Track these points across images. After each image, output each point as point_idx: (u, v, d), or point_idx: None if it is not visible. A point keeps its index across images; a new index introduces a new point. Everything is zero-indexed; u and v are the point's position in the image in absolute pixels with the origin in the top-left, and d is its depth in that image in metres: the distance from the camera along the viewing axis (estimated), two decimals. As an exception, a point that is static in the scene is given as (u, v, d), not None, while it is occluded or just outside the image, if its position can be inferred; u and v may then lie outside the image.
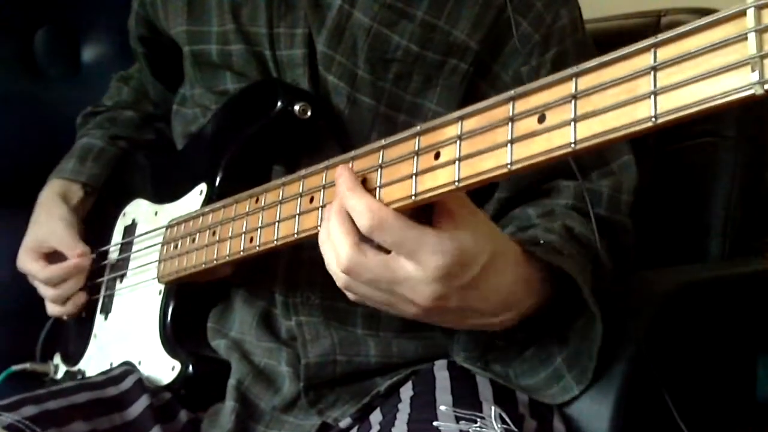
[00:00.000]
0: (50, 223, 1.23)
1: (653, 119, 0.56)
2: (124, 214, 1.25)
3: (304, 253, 1.01)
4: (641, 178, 1.04)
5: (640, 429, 0.94)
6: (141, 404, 1.01)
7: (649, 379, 0.92)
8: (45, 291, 1.23)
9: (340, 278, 0.77)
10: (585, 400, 0.91)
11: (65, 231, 1.22)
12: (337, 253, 0.74)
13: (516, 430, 0.83)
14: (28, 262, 1.23)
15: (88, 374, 1.20)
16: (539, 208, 1.00)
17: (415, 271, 0.73)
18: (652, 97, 0.56)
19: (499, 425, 0.82)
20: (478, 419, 0.83)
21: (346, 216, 0.74)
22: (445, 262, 0.72)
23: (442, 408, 0.85)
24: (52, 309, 1.25)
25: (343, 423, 0.97)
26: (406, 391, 0.94)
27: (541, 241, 0.88)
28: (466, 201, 0.76)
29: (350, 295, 0.79)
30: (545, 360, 0.91)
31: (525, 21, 1.00)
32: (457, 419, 0.82)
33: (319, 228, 0.81)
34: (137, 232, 1.20)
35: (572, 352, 0.89)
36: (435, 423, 0.81)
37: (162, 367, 1.05)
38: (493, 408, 0.86)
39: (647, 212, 1.07)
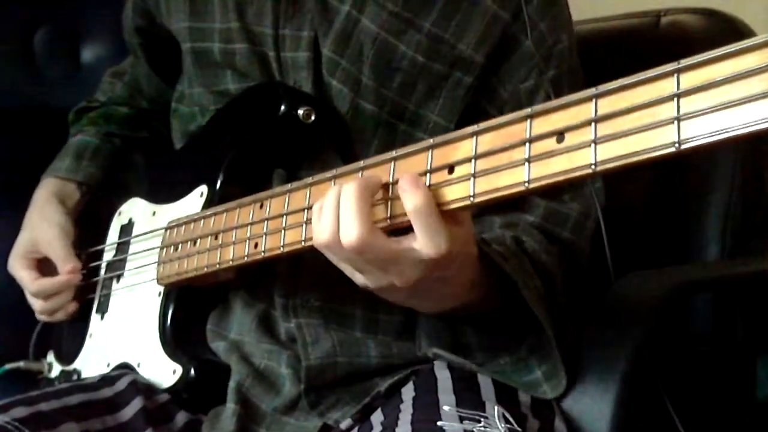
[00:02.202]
0: (44, 228, 1.22)
1: (677, 145, 0.56)
2: (120, 213, 1.24)
3: (305, 255, 1.01)
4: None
5: (640, 429, 0.94)
6: (134, 406, 1.00)
7: (649, 379, 0.92)
8: (34, 302, 1.22)
9: (334, 246, 0.77)
10: (586, 399, 0.92)
11: (58, 241, 1.20)
12: (344, 230, 0.75)
13: (519, 429, 0.83)
14: (19, 268, 1.22)
15: (84, 374, 1.19)
16: (505, 218, 1.02)
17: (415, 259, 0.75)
18: (676, 122, 0.56)
19: (503, 425, 0.83)
20: (482, 419, 0.83)
21: (365, 198, 0.75)
22: (437, 257, 0.75)
23: (446, 408, 0.85)
24: (41, 317, 1.25)
25: (344, 424, 0.97)
26: (408, 392, 0.94)
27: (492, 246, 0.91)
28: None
29: (327, 251, 0.79)
30: (522, 370, 0.93)
31: (528, 39, 1.00)
32: (461, 419, 0.82)
33: None
34: (134, 231, 1.19)
35: (552, 365, 0.91)
36: (439, 423, 0.82)
37: (162, 371, 1.04)
38: (496, 408, 0.86)
39: (647, 212, 1.07)
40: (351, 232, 0.74)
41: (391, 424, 0.87)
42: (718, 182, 1.20)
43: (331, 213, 0.76)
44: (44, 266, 1.22)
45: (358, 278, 0.81)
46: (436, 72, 1.00)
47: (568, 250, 1.01)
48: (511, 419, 0.84)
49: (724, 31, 1.23)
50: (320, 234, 0.77)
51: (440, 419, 0.82)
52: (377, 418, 0.93)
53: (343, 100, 1.01)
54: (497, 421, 0.83)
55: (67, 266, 1.19)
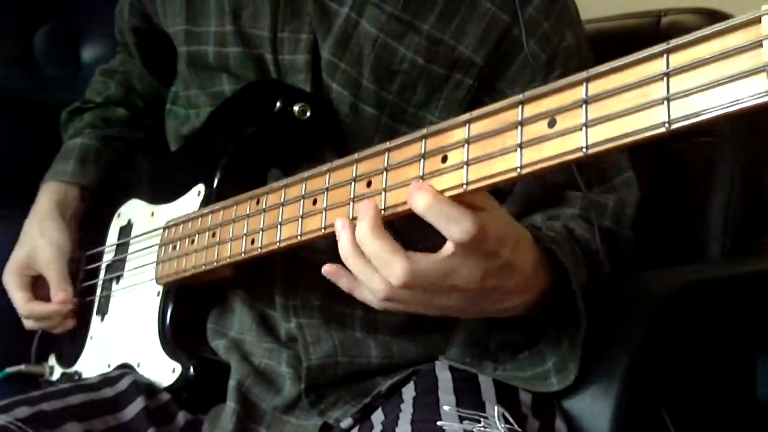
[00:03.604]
0: (42, 246, 1.21)
1: (666, 125, 0.57)
2: (119, 215, 1.24)
3: (304, 255, 1.01)
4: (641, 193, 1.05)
5: (640, 428, 0.94)
6: (136, 406, 1.00)
7: (649, 379, 0.92)
8: (25, 322, 1.23)
9: (392, 295, 0.75)
10: (586, 399, 0.92)
11: (55, 263, 1.20)
12: (387, 274, 0.73)
13: (519, 429, 0.83)
14: (13, 287, 1.22)
15: (85, 376, 1.19)
16: (546, 213, 1.01)
17: (461, 258, 0.73)
18: (666, 102, 0.57)
19: (503, 425, 0.83)
20: (482, 419, 0.83)
21: (383, 232, 0.73)
22: (469, 240, 0.71)
23: (446, 408, 0.85)
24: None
25: (345, 423, 0.97)
26: (409, 392, 0.94)
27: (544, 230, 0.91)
28: (487, 195, 0.74)
29: (388, 305, 0.78)
30: (537, 362, 0.92)
31: (532, 40, 1.00)
32: (461, 419, 0.83)
33: (323, 230, 0.81)
34: (133, 232, 1.19)
35: (562, 356, 0.90)
36: (439, 423, 0.82)
37: (162, 370, 1.04)
38: (496, 408, 0.86)
39: (647, 212, 1.07)
40: (396, 272, 0.72)
41: (391, 423, 0.87)
42: (718, 182, 1.20)
43: (365, 269, 0.75)
44: (39, 282, 1.22)
45: (434, 312, 0.79)
46: (436, 74, 1.00)
47: (610, 238, 1.01)
48: (511, 419, 0.84)
49: (724, 31, 1.23)
50: (375, 294, 0.76)
51: (440, 419, 0.82)
52: (378, 417, 0.93)
53: (343, 102, 1.01)
54: (497, 421, 0.83)
55: (59, 296, 1.19)
